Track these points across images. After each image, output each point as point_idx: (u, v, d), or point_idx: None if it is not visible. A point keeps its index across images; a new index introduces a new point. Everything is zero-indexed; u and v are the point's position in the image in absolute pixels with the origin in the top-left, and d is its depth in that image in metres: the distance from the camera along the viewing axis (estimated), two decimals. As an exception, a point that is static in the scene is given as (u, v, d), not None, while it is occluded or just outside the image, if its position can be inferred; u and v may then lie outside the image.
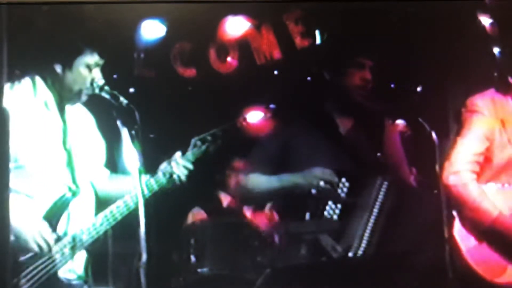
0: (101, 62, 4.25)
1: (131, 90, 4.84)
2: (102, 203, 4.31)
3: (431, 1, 4.76)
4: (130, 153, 3.96)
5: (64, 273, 4.18)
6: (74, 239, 4.17)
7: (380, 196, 4.72)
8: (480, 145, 4.60)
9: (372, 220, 4.69)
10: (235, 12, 5.07)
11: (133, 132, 3.99)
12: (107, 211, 4.23)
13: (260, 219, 4.83)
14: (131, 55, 5.12)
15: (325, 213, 4.70)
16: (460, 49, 4.87)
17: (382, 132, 4.85)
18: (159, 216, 4.15)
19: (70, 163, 4.23)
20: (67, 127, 4.26)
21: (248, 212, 5.12)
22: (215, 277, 4.59)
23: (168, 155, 4.42)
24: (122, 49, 4.85)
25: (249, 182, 4.81)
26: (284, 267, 4.64)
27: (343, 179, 4.71)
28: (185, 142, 4.53)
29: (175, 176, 4.32)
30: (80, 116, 4.36)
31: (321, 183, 4.69)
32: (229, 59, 5.28)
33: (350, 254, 4.65)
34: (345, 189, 4.71)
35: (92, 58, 4.22)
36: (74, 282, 4.23)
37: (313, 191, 4.69)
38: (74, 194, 4.20)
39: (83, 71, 4.22)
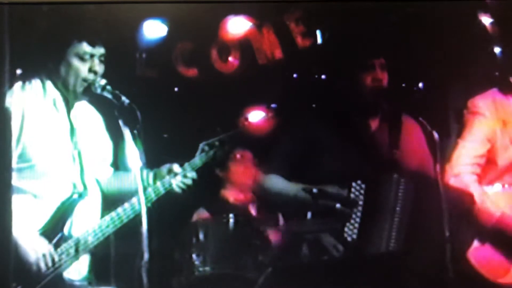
0: (96, 51, 4.23)
1: (133, 90, 4.85)
2: (107, 203, 4.32)
3: (432, 1, 4.77)
4: (133, 152, 3.97)
5: (69, 274, 4.20)
6: (79, 240, 4.18)
7: (400, 195, 4.69)
8: (481, 147, 4.61)
9: (396, 220, 4.66)
10: (236, 12, 5.07)
11: (135, 131, 3.99)
12: (113, 213, 4.23)
13: None
14: (132, 55, 5.13)
15: (345, 229, 4.69)
16: (461, 48, 4.87)
17: (400, 130, 4.81)
18: (161, 215, 4.16)
19: (79, 163, 4.24)
20: (75, 127, 4.27)
21: (253, 210, 5.13)
22: (217, 276, 4.59)
23: (169, 155, 4.43)
24: (123, 49, 4.86)
25: (268, 182, 4.78)
26: (286, 267, 4.65)
27: (359, 181, 4.68)
28: (186, 141, 4.53)
29: (177, 188, 4.32)
30: (88, 116, 4.36)
31: (337, 205, 4.68)
32: (230, 59, 5.28)
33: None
34: (362, 192, 4.68)
35: (81, 48, 4.21)
36: (78, 283, 4.24)
37: (314, 190, 4.68)
38: (80, 195, 4.21)
39: (75, 62, 4.21)
